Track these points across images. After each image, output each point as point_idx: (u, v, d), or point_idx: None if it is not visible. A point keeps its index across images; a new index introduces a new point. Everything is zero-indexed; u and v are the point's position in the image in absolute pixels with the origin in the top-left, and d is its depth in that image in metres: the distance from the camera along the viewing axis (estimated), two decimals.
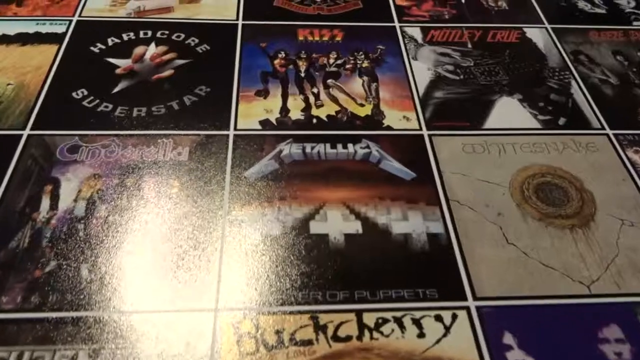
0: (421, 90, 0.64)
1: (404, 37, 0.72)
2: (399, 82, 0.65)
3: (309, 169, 0.55)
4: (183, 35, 0.69)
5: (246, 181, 0.54)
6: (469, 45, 0.71)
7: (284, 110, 0.61)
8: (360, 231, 0.50)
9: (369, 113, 0.62)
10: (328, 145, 0.58)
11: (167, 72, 0.64)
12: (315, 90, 0.64)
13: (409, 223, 0.51)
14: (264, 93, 0.63)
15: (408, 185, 0.55)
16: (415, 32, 0.73)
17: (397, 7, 0.76)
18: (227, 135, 0.58)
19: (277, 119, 0.60)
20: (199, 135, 0.58)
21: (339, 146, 0.57)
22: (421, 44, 0.71)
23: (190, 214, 0.51)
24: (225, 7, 0.74)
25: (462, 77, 0.67)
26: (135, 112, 0.59)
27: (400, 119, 0.61)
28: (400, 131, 0.60)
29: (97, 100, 0.60)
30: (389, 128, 0.60)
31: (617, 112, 0.63)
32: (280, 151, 0.57)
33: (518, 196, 0.54)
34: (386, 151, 0.57)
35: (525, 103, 0.64)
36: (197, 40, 0.68)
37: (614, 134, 0.61)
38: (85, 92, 0.61)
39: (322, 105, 0.62)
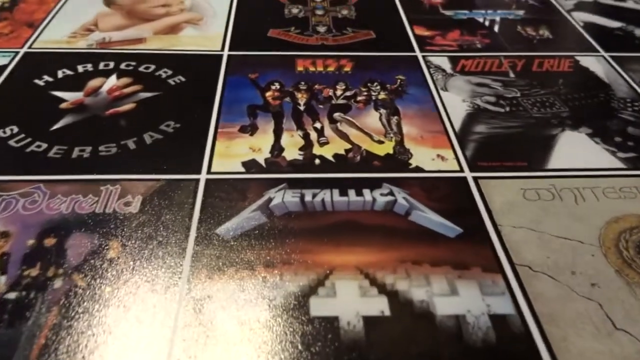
0: (457, 125, 0.49)
1: (428, 66, 0.57)
2: (427, 115, 0.50)
3: (309, 224, 0.39)
4: (153, 67, 0.55)
5: (218, 240, 0.37)
6: (512, 75, 0.57)
7: (277, 148, 0.46)
8: (387, 312, 0.33)
9: (391, 151, 0.46)
10: (336, 191, 0.41)
11: (127, 106, 0.50)
12: (318, 125, 0.49)
13: (460, 299, 0.34)
14: (250, 129, 0.48)
15: (453, 244, 0.38)
16: (441, 61, 0.59)
17: (417, 37, 0.63)
18: (197, 181, 0.42)
19: (267, 160, 0.44)
20: (157, 180, 0.42)
21: (351, 193, 0.41)
22: (450, 73, 0.57)
23: (134, 290, 0.34)
24: (208, 38, 0.61)
25: (508, 109, 0.52)
26: (75, 153, 0.44)
27: (434, 158, 0.45)
28: (434, 173, 0.44)
29: (28, 139, 0.45)
30: (418, 169, 0.44)
31: None
32: (270, 200, 0.40)
33: (615, 258, 0.37)
34: (417, 199, 0.41)
35: (598, 138, 0.48)
36: (170, 72, 0.55)
37: None
38: (15, 130, 0.46)
39: (327, 143, 0.47)
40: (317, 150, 0.46)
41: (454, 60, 0.59)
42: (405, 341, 0.32)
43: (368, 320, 0.33)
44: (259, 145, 0.46)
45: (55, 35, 0.60)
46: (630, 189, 0.43)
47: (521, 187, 0.43)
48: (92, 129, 0.47)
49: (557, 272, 0.36)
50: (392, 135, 0.48)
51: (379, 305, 0.33)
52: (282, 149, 0.46)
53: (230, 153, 0.45)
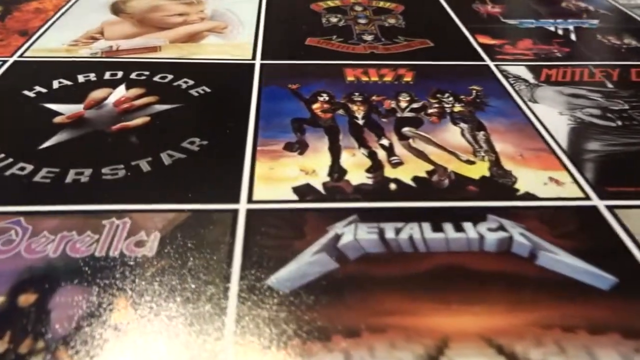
0: (562, 141, 0.38)
1: (506, 76, 0.47)
2: (521, 130, 0.39)
3: (398, 270, 0.27)
4: (171, 77, 0.45)
5: (272, 296, 0.26)
6: (609, 85, 0.46)
7: (337, 170, 0.35)
8: None
9: (487, 173, 0.35)
10: (426, 226, 0.30)
11: (139, 120, 0.39)
12: (385, 142, 0.38)
13: None
14: (299, 146, 0.37)
15: (611, 300, 0.26)
16: (520, 71, 0.48)
17: (482, 45, 0.53)
18: (235, 212, 0.31)
19: (325, 185, 0.33)
20: (181, 211, 0.30)
21: (448, 228, 0.30)
22: (535, 84, 0.46)
23: None
24: (236, 46, 0.51)
25: (619, 122, 0.41)
26: (70, 176, 0.33)
27: (546, 181, 0.34)
28: (552, 201, 0.32)
29: (9, 160, 0.34)
30: (529, 197, 0.33)
31: None
32: (337, 237, 0.29)
33: None
34: (539, 235, 0.30)
35: None
36: (191, 82, 0.44)
37: None
38: None
39: (400, 163, 0.36)
40: (389, 172, 0.35)
41: (535, 70, 0.49)
42: None
43: None
44: (313, 167, 0.35)
45: (51, 43, 0.50)
46: None
47: None
48: (93, 147, 0.36)
49: None
50: (483, 153, 0.37)
51: None
52: (343, 171, 0.35)
53: (276, 176, 0.34)
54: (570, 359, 0.23)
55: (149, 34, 0.53)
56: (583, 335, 0.24)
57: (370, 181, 0.34)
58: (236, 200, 0.31)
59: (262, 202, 0.32)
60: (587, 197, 0.33)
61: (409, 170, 0.35)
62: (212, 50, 0.50)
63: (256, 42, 0.52)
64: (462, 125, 0.40)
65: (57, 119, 0.39)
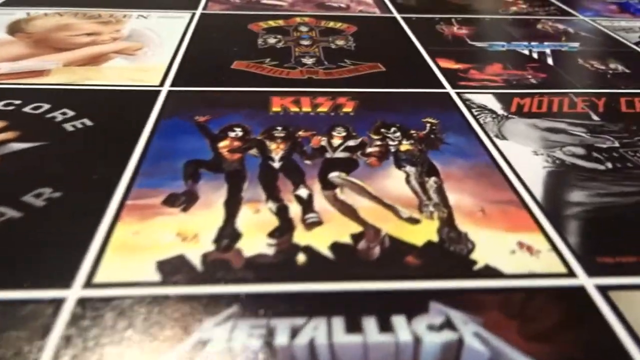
0: (538, 191, 0.29)
1: (469, 106, 0.38)
2: (485, 176, 0.30)
3: None
4: (47, 107, 0.36)
5: None
6: (594, 117, 0.38)
7: (228, 234, 0.25)
8: None
9: (434, 237, 0.25)
10: (338, 323, 0.20)
11: None
12: (303, 192, 0.28)
13: None
14: (184, 199, 0.27)
15: None
16: (486, 100, 0.40)
17: (444, 70, 0.44)
18: (59, 302, 0.21)
19: (207, 257, 0.24)
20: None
21: (369, 325, 0.20)
22: (504, 115, 0.37)
23: None
24: (145, 70, 0.42)
25: (610, 164, 0.32)
26: None
27: (514, 249, 0.25)
28: (521, 279, 0.23)
29: None
30: (490, 273, 0.23)
31: None
32: (203, 344, 0.19)
33: None
34: (502, 334, 0.20)
35: None
36: (70, 114, 0.35)
37: None
38: None
39: (317, 223, 0.26)
40: (301, 236, 0.25)
41: (504, 99, 0.40)
42: None
43: None
44: (196, 229, 0.25)
45: None
46: None
47: None
48: None
49: None
50: (432, 208, 0.27)
51: None
52: (237, 236, 0.25)
53: (139, 244, 0.24)
54: None
55: (43, 55, 0.44)
56: None
57: (271, 250, 0.24)
58: (66, 284, 0.22)
59: (106, 287, 0.22)
60: (572, 273, 0.24)
61: (328, 234, 0.25)
62: (112, 74, 0.41)
63: (171, 65, 0.43)
64: (409, 169, 0.31)
65: None
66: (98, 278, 0.22)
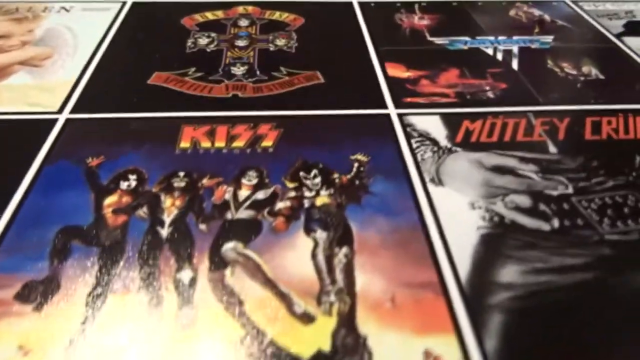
0: (464, 266, 0.25)
1: (409, 135, 0.33)
2: (407, 245, 0.26)
3: None
4: None
5: None
6: (552, 149, 0.33)
7: (83, 343, 0.21)
8: None
9: (327, 345, 0.21)
10: None
11: None
12: (185, 275, 0.24)
13: None
14: (41, 290, 0.23)
15: None
16: (432, 124, 0.35)
17: (389, 80, 0.39)
18: None
19: None
20: None
21: None
22: (448, 147, 0.33)
23: None
24: (47, 88, 0.37)
25: (556, 223, 0.28)
26: None
27: (418, 358, 0.21)
28: None
29: None
30: None
31: None
32: None
33: None
34: None
35: None
36: None
37: None
38: None
39: (191, 325, 0.22)
40: (172, 341, 0.21)
41: (452, 123, 0.35)
42: None
43: None
44: (43, 340, 0.21)
45: None
46: None
47: None
48: None
49: None
50: (332, 297, 0.23)
51: None
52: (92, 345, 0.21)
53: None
54: None
55: None
56: None
57: None
58: None
59: None
60: None
61: (202, 339, 0.22)
62: (10, 97, 0.36)
63: (79, 81, 0.38)
64: (319, 234, 0.26)
65: None
66: None
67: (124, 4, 0.50)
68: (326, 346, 0.21)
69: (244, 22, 0.47)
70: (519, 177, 0.31)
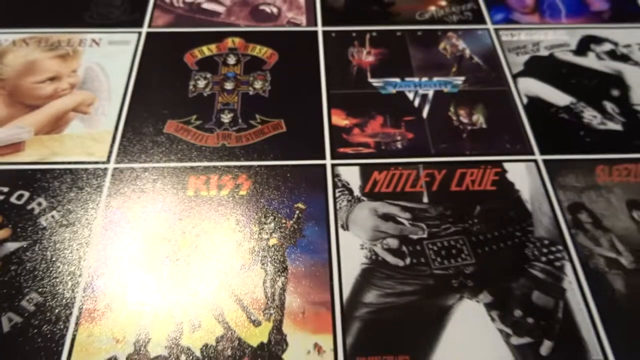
0: (347, 291, 0.45)
1: (335, 185, 0.52)
2: (317, 276, 0.46)
3: None
4: (27, 195, 0.50)
5: None
6: (425, 199, 0.51)
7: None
8: None
9: (265, 340, 0.43)
10: None
11: None
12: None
13: None
14: None
15: None
16: (352, 175, 0.53)
17: (332, 129, 0.56)
18: None
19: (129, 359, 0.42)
20: None
21: None
22: (358, 197, 0.51)
23: None
24: (95, 137, 0.55)
25: (408, 261, 0.47)
26: None
27: (310, 350, 0.42)
28: None
29: None
30: None
31: (628, 324, 0.44)
32: None
33: None
34: None
35: (496, 312, 0.44)
36: (44, 204, 0.50)
37: None
38: None
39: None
40: (188, 340, 0.43)
41: (365, 173, 0.53)
42: None
43: None
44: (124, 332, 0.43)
45: None
46: None
47: None
48: None
49: None
50: (272, 311, 0.44)
51: None
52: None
53: (91, 346, 0.42)
54: None
55: (16, 118, 0.56)
56: None
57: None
58: None
59: None
60: None
61: (201, 337, 0.43)
62: (72, 147, 0.54)
63: (117, 130, 0.55)
64: (269, 267, 0.47)
65: None
66: None
67: (140, 34, 0.64)
68: (265, 340, 0.43)
69: (231, 60, 0.62)
70: (396, 223, 0.50)
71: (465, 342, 0.43)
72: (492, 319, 0.44)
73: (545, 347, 0.43)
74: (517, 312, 0.44)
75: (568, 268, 0.47)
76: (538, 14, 0.69)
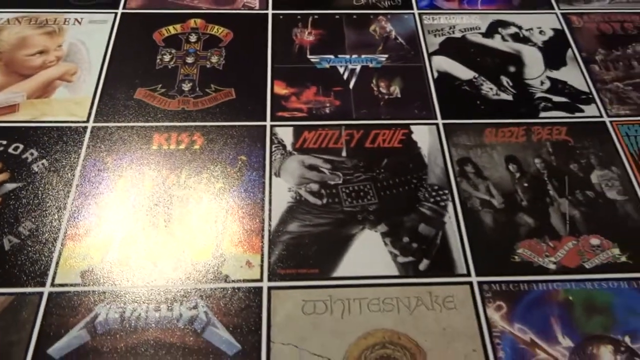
0: (274, 222, 0.58)
1: (272, 142, 0.64)
2: (252, 211, 0.59)
3: (124, 342, 0.50)
4: (21, 147, 0.62)
5: None
6: (344, 153, 0.64)
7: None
8: None
9: (210, 257, 0.56)
10: (151, 306, 0.52)
11: None
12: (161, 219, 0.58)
13: None
14: None
15: None
16: (287, 134, 0.65)
17: (273, 97, 0.68)
18: (41, 295, 0.52)
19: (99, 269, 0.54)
20: (10, 294, 0.52)
21: (163, 307, 0.52)
22: (290, 151, 0.64)
23: None
24: (77, 101, 0.67)
25: (325, 201, 0.60)
26: None
27: (242, 264, 0.55)
28: (237, 283, 0.54)
29: None
30: (225, 279, 0.54)
31: (490, 249, 0.57)
32: (96, 316, 0.51)
33: None
34: (216, 313, 0.52)
35: (388, 238, 0.57)
36: (35, 154, 0.62)
37: (479, 282, 0.55)
38: None
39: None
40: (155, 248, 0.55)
41: (298, 132, 0.65)
42: None
43: None
44: (98, 252, 0.55)
45: None
46: (391, 300, 0.53)
47: (303, 298, 0.53)
48: None
49: None
50: (215, 235, 0.57)
51: None
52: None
53: (74, 261, 0.55)
54: None
55: (13, 85, 0.67)
56: None
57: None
58: (43, 283, 0.53)
59: (60, 286, 0.53)
60: (261, 279, 0.54)
61: (170, 255, 0.56)
62: (58, 108, 0.66)
63: (95, 96, 0.67)
64: (215, 204, 0.59)
65: None
66: (57, 280, 0.53)
67: (116, 14, 0.76)
68: (209, 257, 0.55)
69: (193, 38, 0.74)
70: (319, 172, 0.62)
71: (363, 260, 0.56)
72: (385, 244, 0.57)
73: (424, 264, 0.56)
74: (405, 239, 0.57)
75: (450, 207, 0.60)
76: (458, 1, 0.81)
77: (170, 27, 0.75)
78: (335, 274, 0.55)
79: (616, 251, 0.57)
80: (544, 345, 0.51)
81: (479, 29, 0.77)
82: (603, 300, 0.54)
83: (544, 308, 0.53)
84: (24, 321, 0.51)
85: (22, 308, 0.51)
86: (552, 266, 0.56)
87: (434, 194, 0.61)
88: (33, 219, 0.57)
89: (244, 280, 0.54)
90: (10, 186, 0.59)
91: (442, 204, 0.60)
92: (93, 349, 0.50)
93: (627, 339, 0.51)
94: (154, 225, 0.57)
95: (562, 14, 0.80)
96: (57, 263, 0.54)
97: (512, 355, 0.50)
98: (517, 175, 0.63)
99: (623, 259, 0.56)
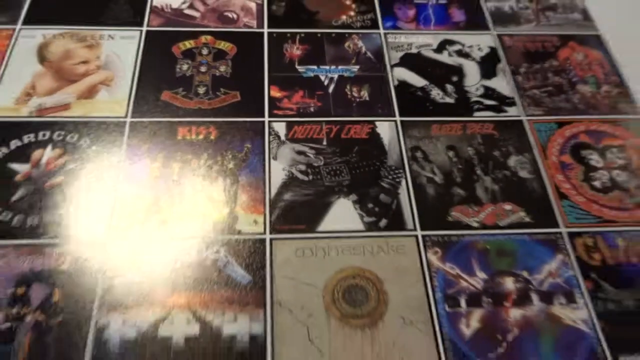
0: (273, 193, 0.78)
1: (269, 133, 0.84)
2: (256, 184, 0.78)
3: (170, 277, 0.69)
4: (77, 136, 0.81)
5: None
6: (324, 143, 0.84)
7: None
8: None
9: (226, 217, 0.75)
10: (186, 252, 0.71)
11: (59, 179, 0.76)
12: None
13: (236, 324, 0.66)
14: None
15: (244, 289, 0.69)
16: (281, 127, 0.85)
17: (270, 99, 0.88)
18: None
19: None
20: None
21: (195, 252, 0.71)
22: (283, 141, 0.83)
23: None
24: (116, 101, 0.85)
25: (310, 177, 0.80)
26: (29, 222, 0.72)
27: (251, 222, 0.75)
28: (247, 235, 0.74)
29: None
30: (239, 232, 0.74)
31: (431, 212, 0.78)
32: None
33: (329, 298, 0.69)
34: (233, 255, 0.72)
35: (358, 205, 0.78)
36: (88, 141, 0.80)
37: (423, 235, 0.75)
38: None
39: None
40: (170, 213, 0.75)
41: (289, 127, 0.85)
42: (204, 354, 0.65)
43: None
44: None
45: (3, 100, 0.84)
46: (359, 247, 0.74)
47: (296, 246, 0.73)
48: (37, 201, 0.75)
49: (294, 306, 0.68)
50: (229, 203, 0.77)
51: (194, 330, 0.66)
52: None
53: (123, 222, 0.74)
54: (216, 315, 0.67)
55: (64, 88, 0.86)
56: (224, 305, 0.68)
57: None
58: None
59: None
60: (264, 233, 0.74)
61: (181, 216, 0.75)
62: (101, 107, 0.84)
63: (130, 97, 0.86)
64: (227, 180, 0.79)
65: (17, 178, 0.76)
66: None
67: (141, 32, 0.94)
68: (225, 217, 0.75)
69: (205, 51, 0.93)
70: (306, 156, 0.82)
71: (339, 219, 0.76)
72: (355, 208, 0.77)
73: (383, 222, 0.76)
74: (370, 205, 0.78)
75: (403, 182, 0.80)
76: (415, 23, 1.01)
77: (186, 42, 0.94)
78: (318, 230, 0.75)
79: (522, 214, 0.78)
80: (466, 277, 0.72)
81: (431, 46, 0.98)
82: (510, 247, 0.75)
83: (468, 253, 0.74)
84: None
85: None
86: (476, 224, 0.77)
87: (392, 173, 0.81)
88: (88, 193, 0.76)
89: (252, 233, 0.74)
90: (70, 166, 0.78)
91: (398, 180, 0.81)
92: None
93: (524, 273, 0.72)
94: (181, 195, 0.76)
95: (497, 34, 1.01)
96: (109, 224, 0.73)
97: (443, 284, 0.71)
98: (455, 159, 0.83)
99: (527, 219, 0.78)
